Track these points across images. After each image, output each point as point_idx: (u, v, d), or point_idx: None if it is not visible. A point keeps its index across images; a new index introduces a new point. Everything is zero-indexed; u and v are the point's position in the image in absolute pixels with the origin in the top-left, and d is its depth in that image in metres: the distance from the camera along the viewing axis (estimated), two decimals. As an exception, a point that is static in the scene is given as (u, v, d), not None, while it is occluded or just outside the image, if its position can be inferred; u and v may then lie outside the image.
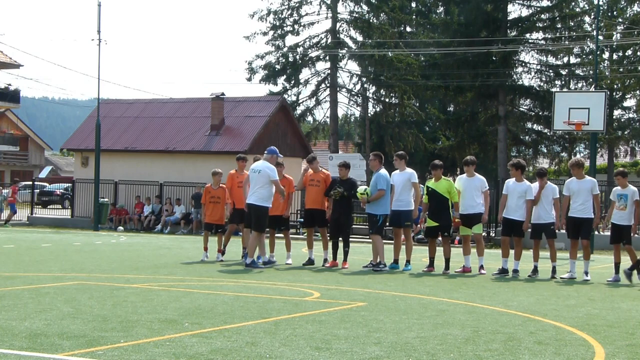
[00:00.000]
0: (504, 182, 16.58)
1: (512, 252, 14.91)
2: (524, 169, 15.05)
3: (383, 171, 15.26)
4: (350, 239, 16.09)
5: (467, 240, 15.17)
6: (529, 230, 14.71)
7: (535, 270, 14.53)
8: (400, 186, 15.15)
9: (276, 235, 16.49)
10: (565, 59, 48.76)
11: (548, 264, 14.86)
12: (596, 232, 14.62)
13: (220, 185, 17.22)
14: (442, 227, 14.99)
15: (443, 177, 15.11)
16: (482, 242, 15.22)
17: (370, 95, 52.70)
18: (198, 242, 17.14)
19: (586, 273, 14.05)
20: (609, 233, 15.55)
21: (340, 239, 15.88)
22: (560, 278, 14.10)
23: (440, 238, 15.51)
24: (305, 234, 16.42)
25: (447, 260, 14.94)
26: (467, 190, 14.90)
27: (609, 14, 47.90)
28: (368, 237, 28.01)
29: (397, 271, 14.95)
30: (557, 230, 14.79)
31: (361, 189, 15.35)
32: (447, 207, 14.93)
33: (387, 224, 15.88)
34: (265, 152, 15.58)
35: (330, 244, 15.94)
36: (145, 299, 10.36)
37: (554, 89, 44.55)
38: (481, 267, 14.78)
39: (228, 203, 16.90)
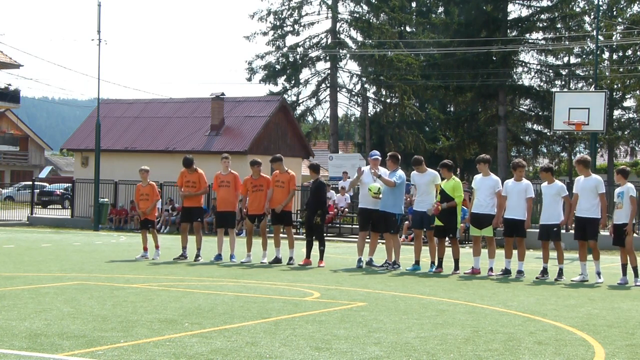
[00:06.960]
0: (504, 182, 16.51)
1: (516, 252, 14.70)
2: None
3: (400, 171, 15.23)
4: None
5: (477, 241, 14.83)
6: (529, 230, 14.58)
7: (544, 272, 14.10)
8: (423, 187, 14.97)
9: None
10: (565, 59, 48.84)
11: (556, 266, 14.24)
12: (601, 232, 14.15)
13: (149, 182, 17.32)
14: (448, 228, 14.77)
15: (453, 176, 14.89)
16: (494, 244, 14.77)
17: (370, 95, 52.73)
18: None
19: (598, 274, 13.56)
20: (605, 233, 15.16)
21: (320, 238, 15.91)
22: (572, 281, 13.67)
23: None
24: (295, 234, 16.52)
25: (456, 261, 14.81)
26: (480, 189, 14.65)
27: (609, 14, 47.92)
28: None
29: (396, 271, 14.92)
30: (565, 230, 14.30)
31: (374, 187, 14.91)
32: (455, 208, 14.70)
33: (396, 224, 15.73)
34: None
35: (304, 243, 16.06)
36: (145, 299, 10.36)
37: (554, 89, 44.60)
38: (490, 269, 14.43)
39: (156, 200, 17.26)
